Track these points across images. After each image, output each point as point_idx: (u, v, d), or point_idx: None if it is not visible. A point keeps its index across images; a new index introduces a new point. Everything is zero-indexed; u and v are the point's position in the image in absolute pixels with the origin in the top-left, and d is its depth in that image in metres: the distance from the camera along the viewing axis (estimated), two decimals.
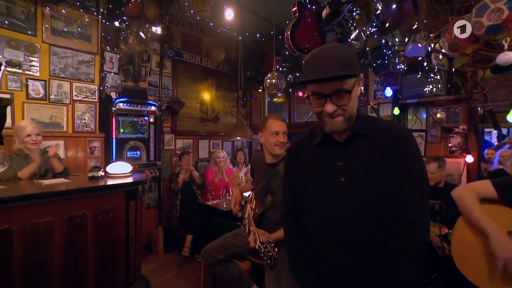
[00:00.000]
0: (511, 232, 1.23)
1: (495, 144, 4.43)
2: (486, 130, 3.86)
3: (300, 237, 1.07)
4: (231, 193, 3.41)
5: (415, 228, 0.88)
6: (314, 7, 2.56)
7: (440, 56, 1.82)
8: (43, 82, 2.68)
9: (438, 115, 3.11)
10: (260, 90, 4.77)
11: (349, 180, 0.92)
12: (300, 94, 5.79)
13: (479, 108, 2.84)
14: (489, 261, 1.22)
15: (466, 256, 1.29)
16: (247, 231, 1.83)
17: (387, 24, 2.12)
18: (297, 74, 3.81)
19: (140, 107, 3.36)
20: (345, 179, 0.93)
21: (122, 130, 3.21)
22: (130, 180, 2.24)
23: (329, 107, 0.87)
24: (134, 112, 3.30)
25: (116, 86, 3.17)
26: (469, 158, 2.87)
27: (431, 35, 1.83)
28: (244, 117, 4.82)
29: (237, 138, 3.77)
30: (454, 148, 3.03)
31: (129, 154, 3.29)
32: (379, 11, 2.01)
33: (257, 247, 1.53)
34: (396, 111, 3.09)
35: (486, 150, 3.76)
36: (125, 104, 3.19)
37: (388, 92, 3.11)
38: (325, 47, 0.92)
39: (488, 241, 1.20)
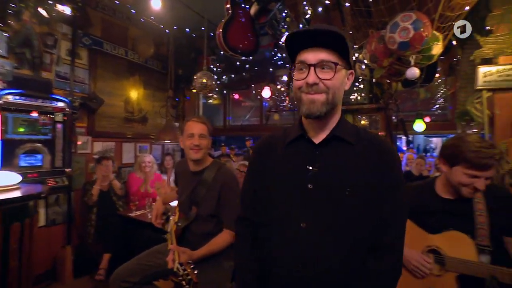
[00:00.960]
0: (431, 248, 1.26)
1: (404, 149, 5.20)
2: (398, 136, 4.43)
3: (252, 247, 0.93)
4: None
5: (389, 259, 0.80)
6: (248, 6, 2.47)
7: (363, 67, 1.93)
8: None
9: (363, 122, 3.39)
10: (194, 91, 4.51)
11: (317, 188, 0.80)
12: (236, 96, 5.73)
13: (393, 117, 3.17)
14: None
15: None
16: (169, 248, 1.61)
17: None
18: (232, 76, 3.70)
19: (42, 102, 2.75)
20: (313, 186, 0.81)
21: (20, 130, 2.58)
22: (16, 194, 1.75)
23: (311, 77, 0.77)
24: (33, 108, 2.68)
25: (3, 73, 2.51)
26: None
27: (355, 46, 1.93)
28: (175, 118, 4.48)
29: (166, 141, 3.43)
30: None
31: (24, 160, 2.65)
32: (308, 15, 2.04)
33: (175, 268, 1.32)
34: None
35: None
36: (17, 97, 2.55)
37: None
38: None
39: None
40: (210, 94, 3.60)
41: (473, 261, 1.16)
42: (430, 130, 2.72)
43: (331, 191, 0.80)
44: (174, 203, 2.29)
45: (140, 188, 3.34)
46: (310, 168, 0.82)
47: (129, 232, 2.92)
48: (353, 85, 3.28)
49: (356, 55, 1.91)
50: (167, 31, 3.68)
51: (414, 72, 1.67)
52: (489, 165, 1.12)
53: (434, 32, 1.60)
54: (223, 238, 1.58)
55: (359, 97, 3.20)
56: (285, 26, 2.14)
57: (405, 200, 0.85)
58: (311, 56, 0.78)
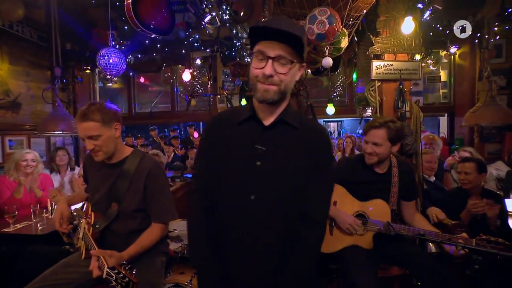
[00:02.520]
0: (359, 213, 1.57)
1: None
2: None
3: (205, 218, 0.99)
4: (51, 208, 2.45)
5: (315, 229, 0.95)
6: None
7: None
8: None
9: None
10: (88, 71, 3.77)
11: (264, 165, 0.91)
12: (142, 80, 5.12)
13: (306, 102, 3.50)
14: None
15: None
16: (84, 257, 1.41)
17: (241, 14, 2.16)
18: (139, 56, 3.25)
19: None
20: (261, 163, 0.91)
21: None
22: None
23: (268, 69, 0.85)
24: None
25: None
26: None
27: None
28: (66, 104, 3.63)
29: (56, 132, 2.74)
30: None
31: None
32: None
33: (105, 275, 1.14)
34: (244, 102, 3.32)
35: None
36: None
37: None
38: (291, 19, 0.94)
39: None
40: (109, 77, 3.08)
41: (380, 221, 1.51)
42: (333, 115, 3.19)
43: (276, 168, 0.92)
44: (79, 205, 1.93)
45: (15, 194, 2.55)
46: (259, 147, 0.92)
47: (8, 254, 2.23)
48: None
49: None
50: None
51: (329, 61, 1.94)
52: (368, 129, 1.48)
53: (343, 28, 1.87)
54: (153, 233, 1.45)
55: None
56: (210, 6, 2.03)
57: (332, 180, 1.04)
58: (271, 49, 0.85)
